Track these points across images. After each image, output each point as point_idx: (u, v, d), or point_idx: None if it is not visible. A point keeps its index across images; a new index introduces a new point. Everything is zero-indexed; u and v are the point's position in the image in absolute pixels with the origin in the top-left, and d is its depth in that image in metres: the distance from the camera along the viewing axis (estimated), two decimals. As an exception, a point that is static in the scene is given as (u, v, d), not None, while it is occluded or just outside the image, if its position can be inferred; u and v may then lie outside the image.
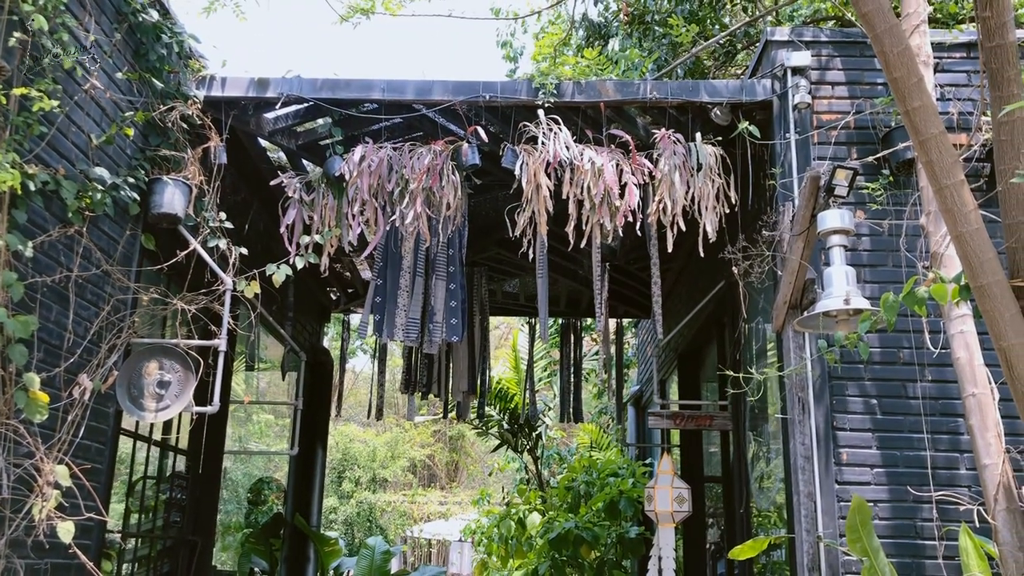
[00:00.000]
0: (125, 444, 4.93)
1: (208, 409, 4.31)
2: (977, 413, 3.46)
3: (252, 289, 4.35)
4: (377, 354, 7.42)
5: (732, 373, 4.28)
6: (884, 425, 4.18)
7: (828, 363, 4.14)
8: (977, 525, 3.73)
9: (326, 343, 8.77)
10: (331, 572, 8.30)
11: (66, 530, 3.25)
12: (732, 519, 6.09)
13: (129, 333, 4.17)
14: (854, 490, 4.06)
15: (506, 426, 10.34)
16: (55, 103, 3.33)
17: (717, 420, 5.63)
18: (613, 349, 8.76)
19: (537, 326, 9.39)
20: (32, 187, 3.29)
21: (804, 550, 3.94)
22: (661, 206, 4.62)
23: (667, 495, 5.62)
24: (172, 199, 4.28)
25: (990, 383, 3.52)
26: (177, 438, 5.47)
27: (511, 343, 10.44)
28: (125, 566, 5.09)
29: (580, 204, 4.61)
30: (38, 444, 3.35)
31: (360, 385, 28.88)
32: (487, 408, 10.06)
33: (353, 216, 4.62)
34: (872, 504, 4.03)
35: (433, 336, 5.15)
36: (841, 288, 3.67)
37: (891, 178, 4.39)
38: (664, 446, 6.56)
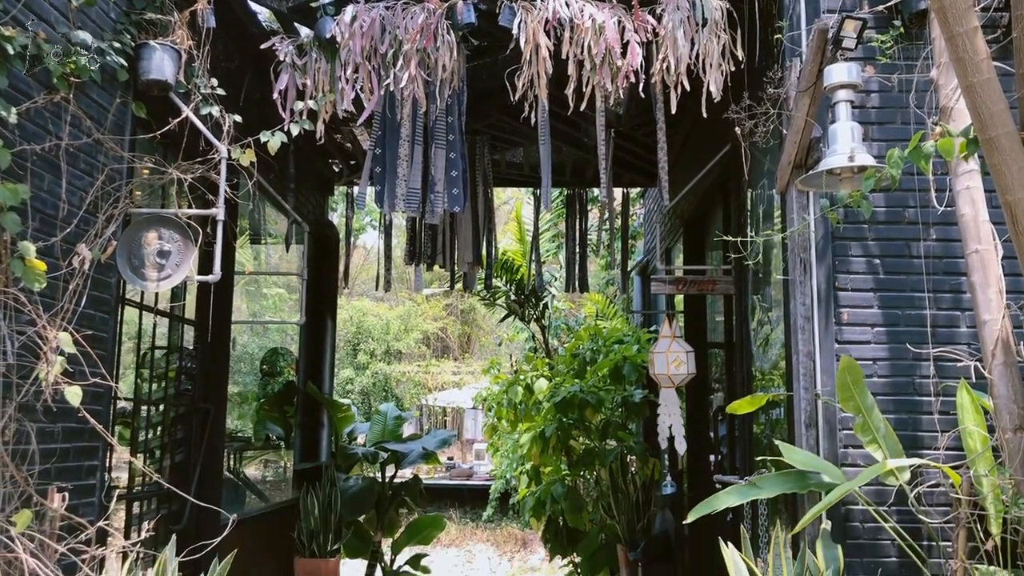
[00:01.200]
0: (133, 316, 4.99)
1: (210, 278, 4.32)
2: (979, 270, 3.43)
3: (247, 157, 4.29)
4: (382, 226, 7.39)
5: (733, 239, 4.23)
6: (886, 285, 4.16)
7: (831, 223, 4.09)
8: (975, 381, 3.76)
9: (334, 220, 8.75)
10: (345, 437, 8.55)
11: (74, 394, 3.31)
12: (734, 382, 6.17)
13: (126, 203, 4.13)
14: (853, 349, 4.09)
15: (513, 297, 10.41)
16: (28, -39, 3.20)
17: (720, 285, 5.64)
18: (619, 221, 8.72)
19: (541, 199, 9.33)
20: (11, 50, 3.19)
21: (802, 407, 4.00)
22: (665, 65, 4.47)
23: (665, 358, 5.69)
24: (161, 64, 4.17)
25: (994, 239, 3.47)
26: (183, 306, 5.52)
27: (515, 214, 10.39)
28: (140, 433, 5.24)
29: (580, 65, 4.47)
30: (39, 312, 3.37)
31: (371, 261, 29.05)
32: (494, 280, 10.11)
33: (347, 80, 4.50)
34: (871, 363, 4.06)
35: (435, 206, 5.10)
36: (846, 145, 3.58)
37: (902, 30, 4.21)
38: (668, 312, 6.59)
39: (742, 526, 4.04)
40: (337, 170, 8.42)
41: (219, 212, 4.33)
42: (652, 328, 9.16)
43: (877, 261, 4.18)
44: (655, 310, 8.87)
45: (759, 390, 5.10)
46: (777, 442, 3.80)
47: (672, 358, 5.63)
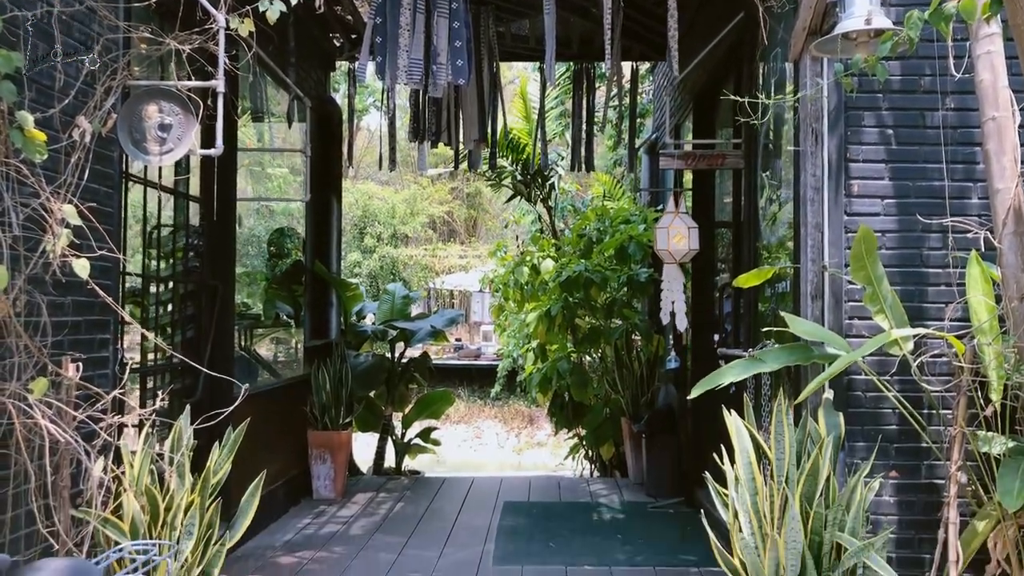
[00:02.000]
0: (138, 198, 4.96)
1: (213, 151, 4.26)
2: (995, 137, 3.36)
3: (246, 27, 4.16)
4: (385, 104, 7.26)
5: (742, 99, 4.14)
6: (898, 156, 4.10)
7: (845, 91, 3.99)
8: (984, 252, 3.75)
9: (336, 100, 8.57)
10: (354, 315, 8.65)
11: (82, 266, 3.32)
12: (740, 259, 6.18)
13: (124, 75, 4.04)
14: (863, 221, 4.06)
15: (519, 177, 10.32)
16: None
17: (729, 158, 5.55)
18: (627, 97, 8.53)
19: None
20: (-5, -91, 3.06)
21: (808, 279, 4.00)
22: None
23: (667, 234, 5.65)
24: (152, -72, 4.00)
25: (1012, 106, 3.39)
26: (187, 182, 5.48)
27: (519, 90, 10.17)
28: (151, 310, 5.30)
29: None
30: (43, 185, 3.35)
31: (375, 144, 28.73)
32: (500, 159, 10.00)
33: (346, -56, 4.32)
34: (880, 235, 4.04)
35: (437, 78, 4.98)
36: (863, 8, 3.46)
37: None
38: (676, 190, 6.52)
39: (745, 396, 4.10)
40: (339, 44, 8.22)
41: (219, 84, 4.23)
42: (659, 207, 9.10)
43: (890, 131, 4.10)
44: (663, 188, 8.79)
45: (765, 263, 5.10)
46: (783, 313, 3.82)
47: (674, 233, 5.60)
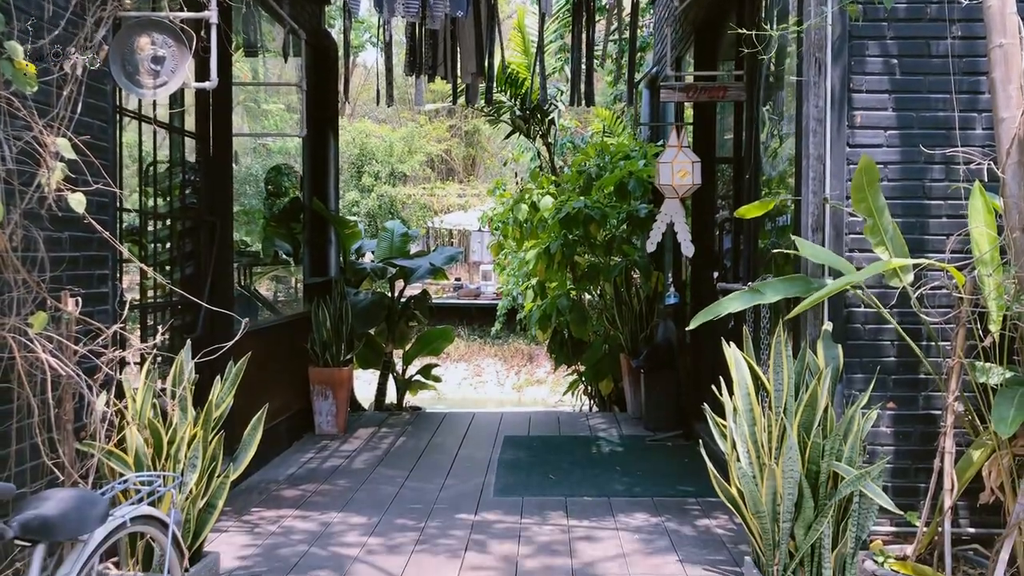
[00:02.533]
0: (133, 136, 4.90)
1: (207, 84, 4.20)
2: (1002, 65, 3.31)
3: (238, -45, 4.07)
4: (382, 40, 7.13)
5: (746, 32, 4.07)
6: (903, 86, 4.04)
7: (849, 18, 3.92)
8: (987, 182, 3.72)
9: (333, 35, 8.43)
10: (352, 253, 8.63)
11: (77, 200, 3.30)
12: (740, 193, 6.14)
13: (115, 5, 3.96)
14: (866, 152, 4.02)
15: (518, 112, 10.19)
16: None
17: (731, 90, 5.48)
18: (627, 31, 8.37)
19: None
20: None
21: (809, 211, 3.98)
22: None
23: (670, 169, 5.60)
24: None
25: (1020, 33, 3.33)
26: (182, 118, 5.41)
27: (517, 22, 9.98)
28: (149, 246, 5.28)
29: None
30: (35, 118, 3.30)
31: (371, 81, 28.36)
32: (499, 94, 9.86)
33: None
34: (882, 166, 4.00)
35: (435, 10, 4.88)
36: (871, -69, 3.37)
37: None
38: (677, 124, 6.44)
39: (744, 328, 4.12)
40: (333, -23, 8.05)
41: (212, 15, 4.15)
42: (660, 143, 9.02)
43: (895, 61, 4.04)
44: (663, 123, 8.70)
45: (766, 197, 5.07)
46: (793, 237, 3.80)
47: (677, 168, 5.55)
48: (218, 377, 3.92)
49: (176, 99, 5.37)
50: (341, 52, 7.70)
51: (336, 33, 8.81)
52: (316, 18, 7.84)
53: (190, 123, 5.57)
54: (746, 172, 5.28)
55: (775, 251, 4.00)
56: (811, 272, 3.97)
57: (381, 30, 7.08)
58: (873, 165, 3.66)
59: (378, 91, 7.41)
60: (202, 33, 4.26)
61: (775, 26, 5.11)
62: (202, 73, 4.98)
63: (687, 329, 4.06)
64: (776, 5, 5.21)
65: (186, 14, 4.14)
